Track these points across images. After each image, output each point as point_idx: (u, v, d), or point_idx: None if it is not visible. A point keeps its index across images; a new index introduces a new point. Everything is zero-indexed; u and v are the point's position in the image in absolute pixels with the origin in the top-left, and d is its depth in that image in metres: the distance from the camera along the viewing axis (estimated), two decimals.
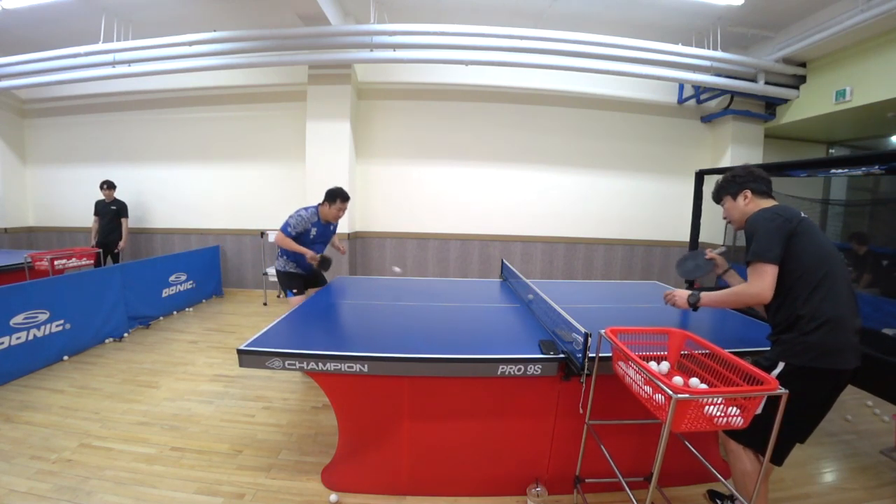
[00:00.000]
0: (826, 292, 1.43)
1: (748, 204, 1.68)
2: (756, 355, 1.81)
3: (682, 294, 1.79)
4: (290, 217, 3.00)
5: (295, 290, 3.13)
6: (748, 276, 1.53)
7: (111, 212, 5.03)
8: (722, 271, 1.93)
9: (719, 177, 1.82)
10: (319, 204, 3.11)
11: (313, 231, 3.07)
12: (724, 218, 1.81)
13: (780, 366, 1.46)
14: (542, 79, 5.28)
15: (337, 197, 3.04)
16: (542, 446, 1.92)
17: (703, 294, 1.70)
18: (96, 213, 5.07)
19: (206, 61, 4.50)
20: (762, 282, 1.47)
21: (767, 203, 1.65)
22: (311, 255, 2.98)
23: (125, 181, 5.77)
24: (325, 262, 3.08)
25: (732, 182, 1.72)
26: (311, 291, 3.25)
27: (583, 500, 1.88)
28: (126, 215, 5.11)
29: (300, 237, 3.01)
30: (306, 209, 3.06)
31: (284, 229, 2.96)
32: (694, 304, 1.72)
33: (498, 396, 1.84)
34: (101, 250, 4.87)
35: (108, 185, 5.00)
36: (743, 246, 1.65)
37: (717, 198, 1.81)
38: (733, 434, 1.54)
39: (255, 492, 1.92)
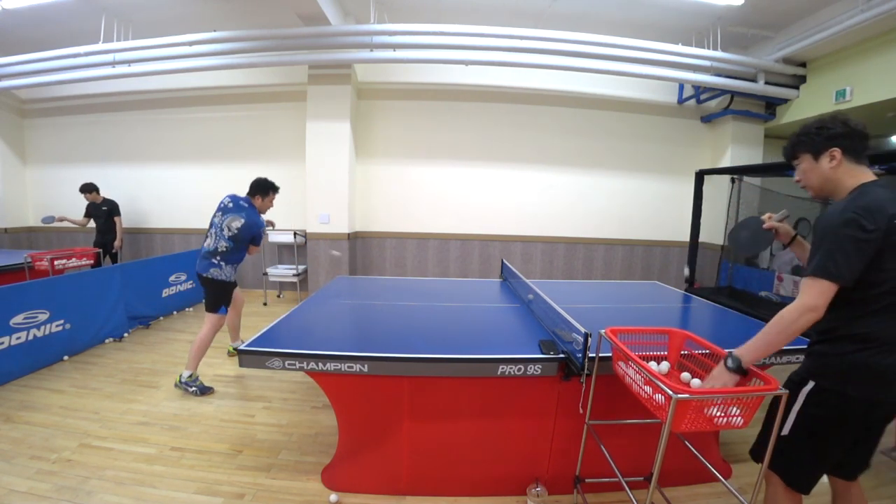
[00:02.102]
0: (892, 315, 1.17)
1: (836, 168, 1.26)
2: None
3: (719, 371, 1.31)
4: (258, 223, 2.92)
5: (226, 307, 3.06)
6: (801, 286, 1.21)
7: (104, 213, 5.02)
8: (788, 241, 1.57)
9: (791, 135, 1.38)
10: (249, 198, 3.00)
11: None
12: (797, 181, 1.39)
13: (810, 385, 1.24)
14: (542, 79, 5.28)
15: (270, 189, 3.05)
16: (542, 446, 1.92)
17: (741, 352, 1.28)
18: (87, 214, 5.05)
19: (206, 61, 4.50)
20: (818, 299, 1.15)
21: (861, 173, 1.25)
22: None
23: (125, 181, 5.79)
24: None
25: (818, 134, 1.28)
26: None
27: (583, 500, 1.88)
28: (118, 214, 5.09)
29: (254, 239, 2.99)
30: (257, 216, 2.95)
31: (262, 232, 2.97)
32: (737, 369, 1.27)
33: (498, 396, 1.84)
34: (100, 250, 4.87)
35: (89, 189, 4.93)
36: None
37: (792, 153, 1.37)
38: (760, 459, 1.33)
39: (255, 492, 1.92)
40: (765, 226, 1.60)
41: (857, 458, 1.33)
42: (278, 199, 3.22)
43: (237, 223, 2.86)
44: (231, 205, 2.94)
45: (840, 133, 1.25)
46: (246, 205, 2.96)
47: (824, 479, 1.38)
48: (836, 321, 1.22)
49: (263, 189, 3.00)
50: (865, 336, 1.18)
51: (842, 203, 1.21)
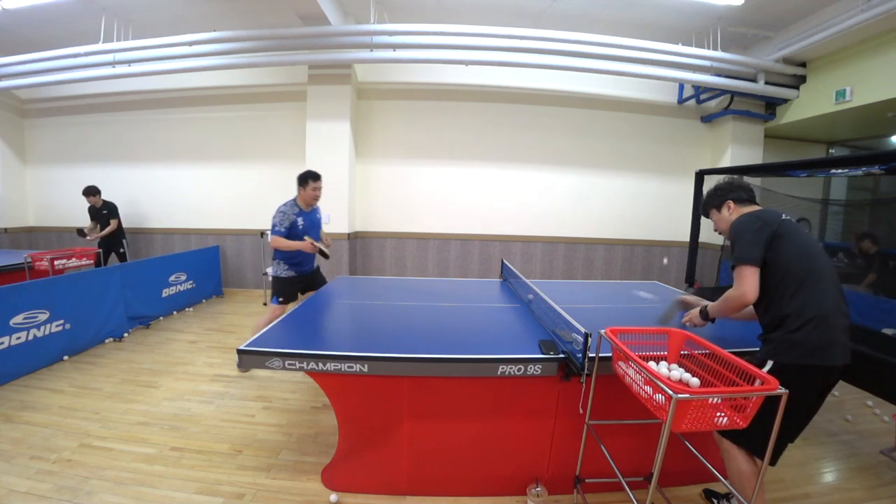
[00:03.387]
0: (811, 291, 1.47)
1: (732, 213, 1.74)
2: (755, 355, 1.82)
3: (694, 313, 1.86)
4: (274, 217, 2.95)
5: (281, 299, 3.07)
6: (734, 280, 1.57)
7: (104, 216, 5.01)
8: (695, 314, 1.90)
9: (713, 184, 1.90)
10: (296, 196, 3.07)
11: (300, 221, 3.02)
12: (715, 230, 1.88)
13: (769, 364, 1.49)
14: (543, 79, 5.28)
15: (308, 178, 3.01)
16: (542, 446, 1.92)
17: (709, 306, 1.78)
18: (92, 218, 5.07)
19: (206, 61, 4.50)
20: (744, 284, 1.52)
21: (751, 209, 1.71)
22: (307, 243, 2.92)
23: (125, 181, 5.79)
24: (324, 254, 3.07)
25: (715, 195, 1.82)
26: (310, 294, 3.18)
27: (583, 500, 1.88)
28: (117, 216, 5.08)
29: (292, 233, 2.97)
30: (284, 203, 3.02)
31: (274, 230, 2.93)
32: (706, 316, 1.79)
33: (498, 396, 1.84)
34: (101, 251, 4.87)
35: (92, 192, 4.92)
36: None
37: (705, 212, 1.90)
38: (726, 433, 1.55)
39: (255, 492, 1.92)
40: (677, 299, 2.18)
41: (804, 424, 1.58)
42: (278, 198, 3.20)
43: None
44: None
45: (728, 190, 1.78)
46: (284, 204, 3.02)
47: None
48: (775, 309, 1.53)
49: (301, 180, 3.03)
50: (797, 312, 1.46)
51: (741, 219, 1.65)
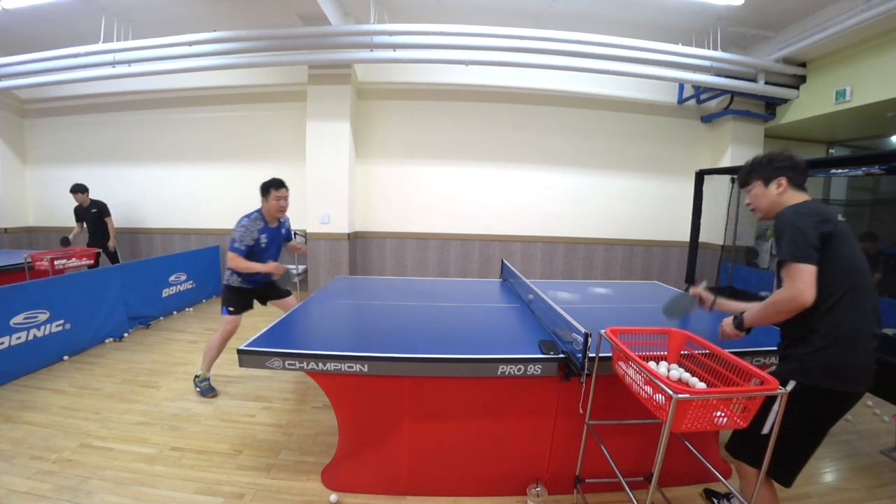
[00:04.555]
0: (849, 308, 1.30)
1: (781, 194, 1.48)
2: (756, 355, 1.82)
3: (727, 322, 1.58)
4: (234, 231, 2.64)
5: (232, 309, 2.78)
6: (783, 278, 1.35)
7: (93, 215, 4.93)
8: (709, 305, 1.80)
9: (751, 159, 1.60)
10: (260, 207, 2.78)
11: (263, 239, 2.73)
12: (748, 204, 1.59)
13: (791, 384, 1.35)
14: (542, 79, 5.28)
15: (269, 187, 2.72)
16: (542, 446, 1.92)
17: (746, 315, 1.51)
18: (78, 219, 4.97)
19: (206, 61, 4.50)
20: (798, 283, 1.29)
21: (801, 198, 1.46)
22: (272, 267, 2.67)
23: (125, 181, 5.79)
24: (288, 275, 2.83)
25: (768, 165, 1.50)
26: (274, 304, 3.01)
27: (583, 500, 1.88)
28: (109, 214, 5.00)
29: (252, 250, 2.69)
30: (247, 216, 2.71)
31: (232, 246, 2.61)
32: (740, 326, 1.52)
33: (498, 396, 1.84)
34: (100, 251, 4.87)
35: (80, 190, 4.84)
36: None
37: (746, 180, 1.58)
38: (745, 458, 1.48)
39: (255, 492, 1.92)
40: (690, 293, 1.88)
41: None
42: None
43: None
44: None
45: (787, 166, 1.49)
46: (247, 217, 2.74)
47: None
48: (803, 321, 1.35)
49: (263, 190, 2.75)
50: (830, 329, 1.31)
51: (792, 209, 1.41)
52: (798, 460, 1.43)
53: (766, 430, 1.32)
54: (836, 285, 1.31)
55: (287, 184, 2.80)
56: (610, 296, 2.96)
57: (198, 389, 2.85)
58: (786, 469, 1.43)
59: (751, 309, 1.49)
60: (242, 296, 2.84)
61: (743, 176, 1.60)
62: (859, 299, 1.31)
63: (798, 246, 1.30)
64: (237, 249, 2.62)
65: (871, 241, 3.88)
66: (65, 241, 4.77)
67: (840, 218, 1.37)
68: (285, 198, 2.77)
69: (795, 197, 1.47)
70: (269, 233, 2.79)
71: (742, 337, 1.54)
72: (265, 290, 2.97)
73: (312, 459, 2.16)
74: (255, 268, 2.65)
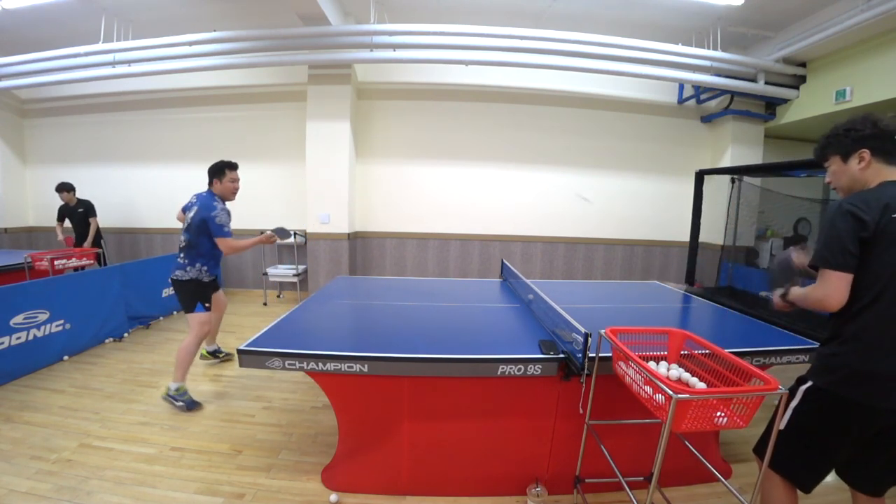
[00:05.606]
0: (885, 312, 1.18)
1: (865, 169, 1.25)
2: (756, 356, 1.82)
3: (777, 293, 1.47)
4: (216, 218, 2.60)
5: (207, 305, 2.73)
6: (817, 279, 1.27)
7: (79, 214, 4.87)
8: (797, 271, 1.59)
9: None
10: (209, 189, 2.77)
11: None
12: (828, 182, 1.39)
13: (808, 383, 1.29)
14: (542, 79, 5.28)
15: (224, 168, 2.73)
16: (542, 446, 1.92)
17: (793, 290, 1.41)
18: (62, 217, 4.89)
19: (206, 61, 4.50)
20: (824, 287, 1.22)
21: (889, 173, 1.24)
22: (265, 237, 2.73)
23: (125, 181, 5.79)
24: (283, 232, 2.84)
25: (846, 136, 1.27)
26: (218, 298, 3.05)
27: (583, 500, 1.88)
28: (95, 214, 4.92)
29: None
30: (211, 199, 2.68)
31: (223, 232, 2.61)
32: (784, 297, 1.43)
33: (498, 396, 1.84)
34: (100, 251, 4.86)
35: (66, 188, 4.76)
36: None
37: (822, 156, 1.37)
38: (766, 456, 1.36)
39: (255, 492, 1.92)
40: (795, 265, 1.57)
41: (873, 469, 1.31)
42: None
43: (191, 212, 2.70)
44: (193, 199, 2.79)
45: (869, 134, 1.24)
46: (204, 194, 2.75)
47: (828, 479, 1.38)
48: (833, 323, 1.27)
49: (217, 171, 2.73)
50: (855, 338, 1.20)
51: (847, 197, 1.23)
52: (817, 466, 1.32)
53: (782, 427, 1.31)
54: (869, 288, 1.18)
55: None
56: (610, 294, 2.96)
57: (179, 404, 2.60)
58: (804, 473, 1.34)
59: (798, 289, 1.38)
60: (209, 289, 2.83)
61: (819, 151, 1.38)
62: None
63: (831, 251, 1.19)
64: (229, 233, 2.64)
65: None
66: (65, 241, 4.79)
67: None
68: (238, 179, 2.83)
69: (884, 173, 1.23)
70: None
71: (789, 310, 1.44)
72: (216, 282, 2.97)
73: (312, 459, 2.16)
74: (249, 242, 2.69)
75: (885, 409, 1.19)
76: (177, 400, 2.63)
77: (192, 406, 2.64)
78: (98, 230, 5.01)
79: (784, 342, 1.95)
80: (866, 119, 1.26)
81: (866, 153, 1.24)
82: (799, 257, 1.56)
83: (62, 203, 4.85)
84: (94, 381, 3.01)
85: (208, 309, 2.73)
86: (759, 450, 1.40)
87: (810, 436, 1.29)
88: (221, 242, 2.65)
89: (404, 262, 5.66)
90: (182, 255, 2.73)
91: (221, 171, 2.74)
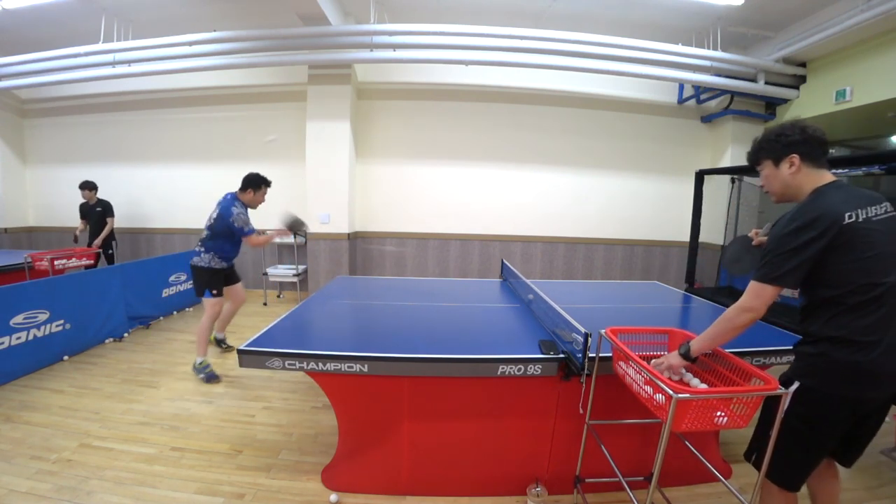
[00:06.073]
0: (874, 312, 1.18)
1: (795, 174, 1.31)
2: (756, 355, 1.82)
3: (671, 356, 1.47)
4: (235, 220, 2.92)
5: (215, 291, 3.08)
6: (747, 290, 1.28)
7: (97, 213, 4.93)
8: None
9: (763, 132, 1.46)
10: (237, 193, 3.10)
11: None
12: (761, 187, 1.46)
13: (795, 384, 1.28)
14: (542, 79, 5.28)
15: (262, 183, 3.11)
16: (542, 446, 1.92)
17: (693, 342, 1.43)
18: (82, 216, 4.97)
19: (206, 61, 4.49)
20: (756, 300, 1.24)
21: (821, 177, 1.29)
22: (275, 231, 3.07)
23: (125, 181, 5.79)
24: (298, 223, 3.08)
25: (776, 142, 1.34)
26: (236, 289, 3.37)
27: (583, 500, 1.87)
28: (112, 215, 4.99)
29: (234, 231, 3.01)
30: (232, 204, 3.00)
31: (246, 231, 2.94)
32: (686, 355, 1.43)
33: (498, 396, 1.84)
34: (100, 250, 4.87)
35: (89, 187, 4.86)
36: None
37: (755, 159, 1.44)
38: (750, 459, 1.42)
39: (255, 492, 1.92)
40: (754, 242, 1.69)
41: (852, 449, 1.40)
42: (278, 198, 3.26)
43: (214, 212, 3.04)
44: (221, 198, 3.11)
45: (798, 140, 1.30)
46: (229, 196, 3.07)
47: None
48: (815, 322, 1.27)
49: (255, 183, 3.09)
50: (841, 335, 1.21)
51: (792, 211, 1.26)
52: (810, 465, 1.33)
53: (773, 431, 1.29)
54: (850, 294, 1.19)
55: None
56: (610, 295, 2.96)
57: (202, 377, 2.97)
58: (798, 477, 1.34)
59: (701, 336, 1.40)
60: (220, 277, 3.15)
61: (751, 155, 1.45)
62: (879, 300, 1.18)
63: (773, 267, 1.22)
64: (251, 230, 2.98)
65: None
66: (75, 238, 4.90)
67: (851, 219, 1.18)
68: (266, 193, 3.21)
69: (814, 177, 1.29)
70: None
71: (680, 368, 1.46)
72: (231, 271, 3.29)
73: (312, 459, 2.16)
74: (271, 236, 3.07)
75: (869, 398, 1.24)
76: (199, 373, 3.01)
77: (211, 379, 2.98)
78: (112, 231, 5.05)
79: (784, 342, 1.95)
80: (795, 125, 1.33)
81: (796, 158, 1.30)
82: (756, 236, 1.67)
83: (83, 201, 4.94)
84: (94, 381, 3.01)
85: (215, 295, 3.07)
86: (751, 454, 1.42)
87: (803, 438, 1.28)
88: (247, 241, 3.00)
89: (404, 262, 5.66)
90: (199, 244, 3.09)
91: (259, 185, 3.11)
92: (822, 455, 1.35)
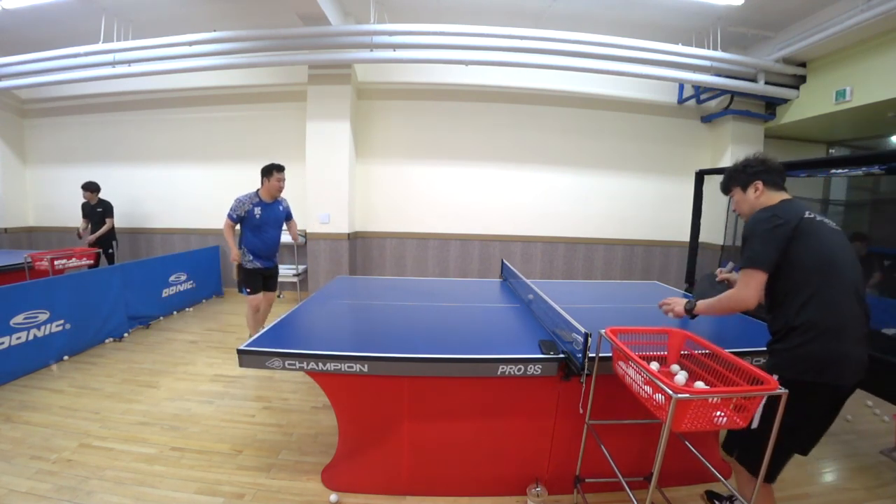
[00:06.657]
0: (824, 302, 1.35)
1: (759, 197, 1.57)
2: (756, 355, 1.82)
3: (679, 302, 1.78)
4: (234, 204, 3.14)
5: (249, 290, 3.25)
6: (739, 280, 1.49)
7: (98, 214, 4.95)
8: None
9: (731, 166, 1.71)
10: (258, 189, 3.25)
11: (258, 212, 3.17)
12: (734, 210, 1.71)
13: (773, 378, 1.36)
14: (542, 79, 5.28)
15: (273, 169, 3.17)
16: (542, 446, 1.92)
17: (699, 301, 1.68)
18: (85, 216, 5.00)
19: (206, 61, 4.50)
20: (747, 289, 1.43)
21: (779, 197, 1.55)
22: (235, 254, 3.18)
23: (125, 181, 5.79)
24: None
25: (743, 172, 1.61)
26: (265, 296, 3.41)
27: (583, 500, 1.88)
28: (111, 215, 5.01)
29: (246, 221, 3.17)
30: (245, 194, 3.19)
31: (227, 215, 3.15)
32: (690, 312, 1.72)
33: (498, 396, 1.84)
34: (100, 250, 4.86)
35: (90, 188, 4.89)
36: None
37: (726, 188, 1.69)
38: (735, 454, 1.54)
39: (255, 492, 1.92)
40: (717, 279, 1.98)
41: (814, 436, 1.50)
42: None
43: None
44: None
45: (761, 170, 1.58)
46: (244, 194, 3.22)
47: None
48: (782, 318, 1.43)
49: (265, 172, 3.19)
50: (808, 326, 1.35)
51: (761, 211, 1.52)
52: (782, 456, 1.44)
53: (754, 425, 1.36)
54: (807, 282, 1.37)
55: (286, 184, 3.30)
56: (610, 295, 2.95)
57: None
58: (775, 469, 1.46)
59: (705, 300, 1.66)
60: (256, 277, 3.28)
61: (723, 185, 1.72)
62: (834, 293, 1.36)
63: (755, 252, 1.42)
64: (229, 216, 3.15)
65: (860, 241, 3.88)
66: (79, 235, 4.97)
67: (807, 214, 1.44)
68: (284, 179, 3.26)
69: (773, 198, 1.55)
70: (265, 208, 3.21)
71: (680, 317, 1.80)
72: (270, 274, 3.40)
73: (312, 459, 2.16)
74: (229, 241, 3.21)
75: (848, 384, 1.38)
76: None
77: (244, 291, 3.25)
78: (112, 232, 5.06)
79: None
80: (756, 158, 1.62)
81: (760, 184, 1.57)
82: (721, 272, 1.99)
83: (84, 201, 4.97)
84: (93, 381, 3.01)
85: (250, 293, 3.26)
86: (728, 446, 1.56)
87: (784, 429, 1.30)
88: (225, 221, 3.19)
89: (404, 262, 5.66)
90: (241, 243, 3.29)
91: (270, 172, 3.19)
92: (799, 446, 1.46)
